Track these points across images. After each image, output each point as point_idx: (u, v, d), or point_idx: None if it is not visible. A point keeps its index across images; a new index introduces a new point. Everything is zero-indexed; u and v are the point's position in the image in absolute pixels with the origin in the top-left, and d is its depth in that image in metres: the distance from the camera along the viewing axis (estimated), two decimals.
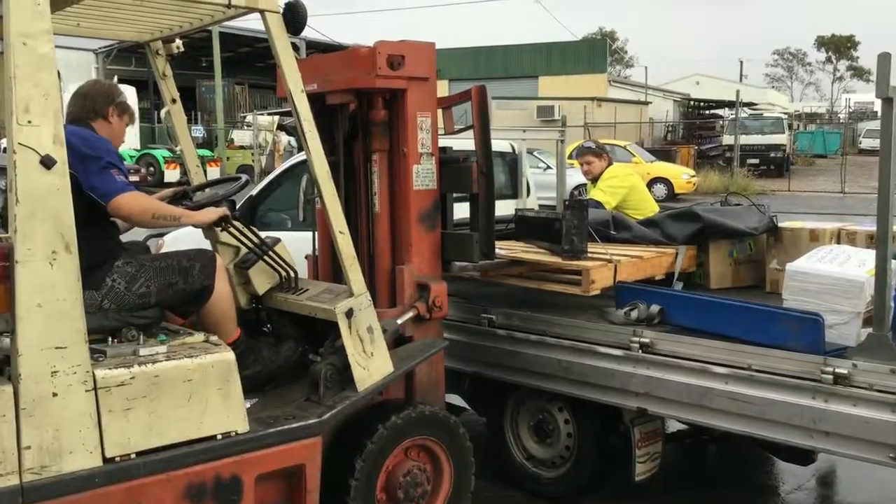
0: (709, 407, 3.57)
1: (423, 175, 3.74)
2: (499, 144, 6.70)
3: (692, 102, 46.45)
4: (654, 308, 3.87)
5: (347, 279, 3.36)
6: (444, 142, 4.03)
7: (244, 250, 3.66)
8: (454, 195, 4.04)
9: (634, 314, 3.90)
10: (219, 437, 2.97)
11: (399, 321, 3.64)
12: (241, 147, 30.68)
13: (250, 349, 3.55)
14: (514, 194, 6.63)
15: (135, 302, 3.15)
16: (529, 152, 8.56)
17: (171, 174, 24.56)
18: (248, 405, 3.31)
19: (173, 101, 3.93)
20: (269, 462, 3.10)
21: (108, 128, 3.35)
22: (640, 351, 3.74)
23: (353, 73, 3.63)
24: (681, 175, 24.14)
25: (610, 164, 5.96)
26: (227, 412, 2.99)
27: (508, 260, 4.37)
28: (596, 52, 40.41)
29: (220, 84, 31.48)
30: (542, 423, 4.43)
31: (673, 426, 4.46)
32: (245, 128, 33.20)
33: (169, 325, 3.35)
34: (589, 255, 4.12)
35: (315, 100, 3.66)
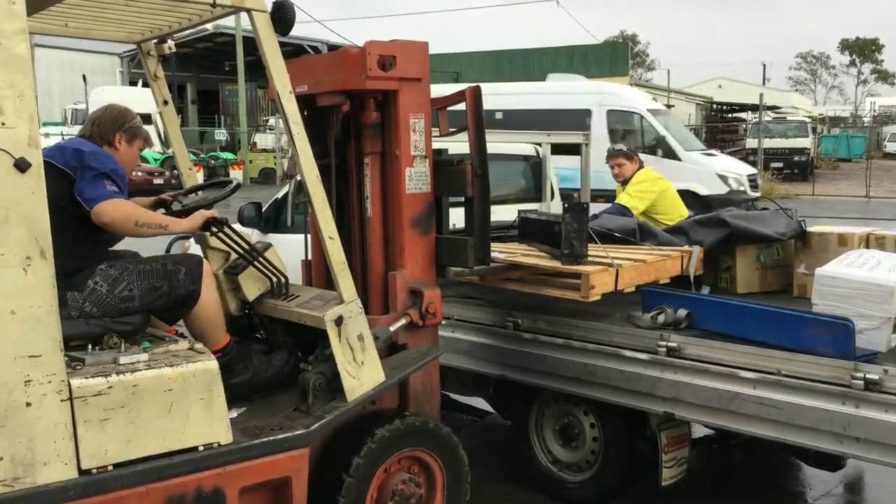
0: (737, 412, 3.55)
1: (417, 178, 3.65)
2: (523, 147, 6.71)
3: (715, 106, 46.13)
4: (682, 312, 3.85)
5: (337, 286, 3.28)
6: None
7: (234, 255, 3.59)
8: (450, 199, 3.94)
9: (661, 318, 3.88)
10: (201, 448, 2.89)
11: (392, 328, 3.55)
12: (264, 150, 30.89)
13: (240, 357, 3.49)
14: (538, 197, 6.62)
15: (117, 305, 3.09)
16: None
17: (196, 177, 24.69)
18: (235, 414, 3.25)
19: (165, 102, 3.86)
20: (254, 474, 3.01)
21: (116, 154, 3.29)
22: (668, 355, 3.72)
23: (343, 75, 3.53)
24: None
25: (641, 167, 5.85)
26: (210, 423, 2.91)
27: (507, 264, 4.28)
28: (618, 56, 40.22)
29: (244, 88, 31.73)
30: (568, 427, 4.42)
31: (699, 431, 4.43)
32: (267, 131, 33.42)
33: (156, 332, 3.28)
34: (589, 258, 4.03)
35: (306, 102, 3.63)
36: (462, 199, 3.78)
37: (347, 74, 3.50)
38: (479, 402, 5.59)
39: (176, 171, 25.05)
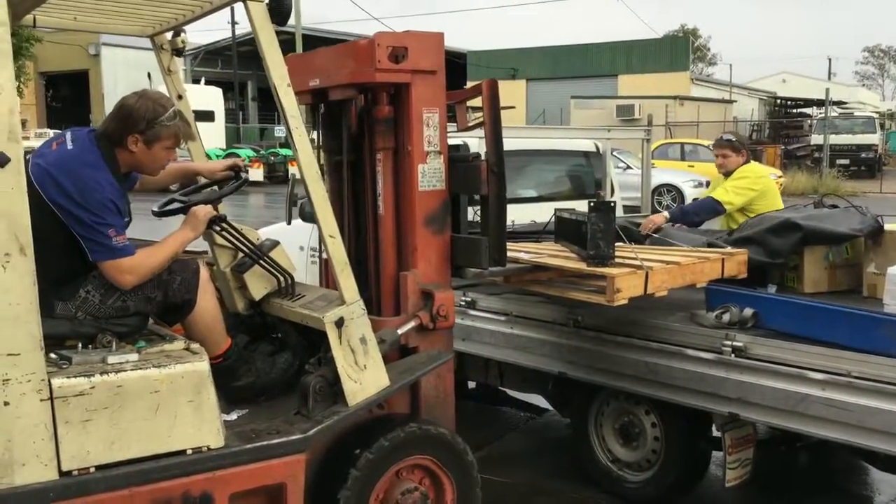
0: (804, 413, 3.47)
1: (430, 175, 3.50)
2: (583, 143, 6.66)
3: (779, 101, 45.21)
4: (748, 311, 3.78)
5: (339, 286, 3.16)
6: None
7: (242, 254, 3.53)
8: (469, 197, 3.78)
9: (727, 317, 3.81)
10: (189, 451, 2.80)
11: (400, 331, 3.42)
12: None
13: (243, 359, 3.42)
14: (598, 194, 6.56)
15: (111, 315, 3.01)
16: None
17: (255, 173, 25.16)
18: (235, 417, 3.20)
19: (179, 97, 3.76)
20: (245, 480, 2.90)
21: (128, 156, 3.08)
22: (733, 355, 3.66)
23: (352, 67, 3.39)
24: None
25: (747, 161, 5.59)
26: (199, 426, 2.80)
27: (531, 265, 4.11)
28: (678, 50, 39.61)
29: None
30: (628, 426, 4.37)
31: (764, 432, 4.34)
32: None
33: (160, 330, 3.21)
34: (618, 260, 3.85)
35: (321, 96, 3.54)
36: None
37: (357, 67, 3.37)
38: (538, 400, 5.60)
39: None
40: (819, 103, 35.28)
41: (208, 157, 4.02)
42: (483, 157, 3.53)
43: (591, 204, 3.85)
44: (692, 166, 22.50)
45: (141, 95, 3.09)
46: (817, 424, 3.45)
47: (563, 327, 4.33)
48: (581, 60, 39.20)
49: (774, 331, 3.71)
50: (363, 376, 3.17)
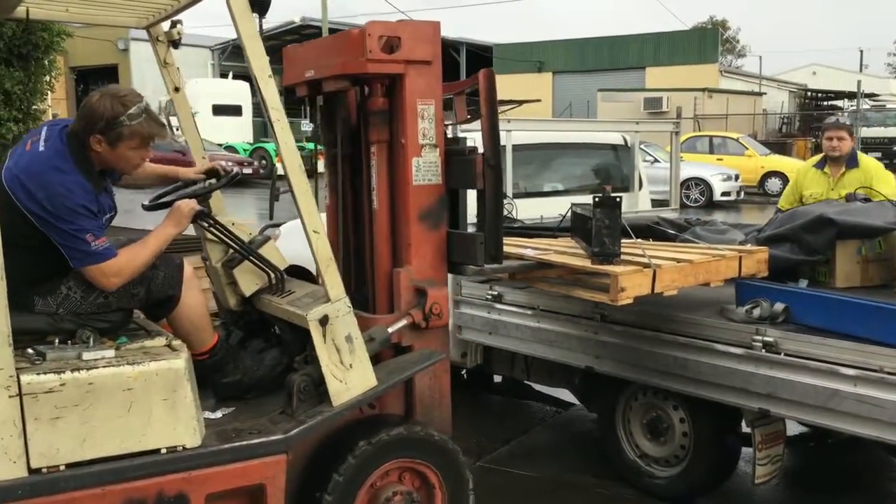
0: (836, 410, 3.43)
1: (425, 169, 3.40)
2: (611, 137, 6.61)
3: (809, 93, 44.60)
4: (779, 306, 3.74)
5: (323, 283, 3.08)
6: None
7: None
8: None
9: (757, 312, 3.77)
10: (163, 450, 2.75)
11: (390, 329, 3.33)
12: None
13: (231, 357, 3.36)
14: (625, 187, 6.52)
15: (93, 311, 2.97)
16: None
17: (281, 167, 25.25)
18: (219, 415, 3.17)
19: (176, 89, 3.72)
20: (222, 480, 2.85)
21: (97, 156, 2.96)
22: (764, 350, 3.62)
23: (344, 58, 3.30)
24: (797, 169, 23.17)
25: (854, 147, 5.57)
26: (174, 425, 2.76)
27: (535, 262, 4.00)
28: (707, 42, 39.17)
29: None
30: (656, 421, 4.35)
31: (794, 428, 4.30)
32: None
33: (149, 325, 3.18)
34: (624, 258, 3.72)
35: (316, 87, 3.47)
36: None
37: (348, 58, 3.27)
38: (564, 394, 5.58)
39: (264, 161, 25.88)
40: (850, 96, 34.81)
41: (214, 151, 3.99)
42: (480, 151, 3.40)
43: (596, 199, 3.72)
44: (721, 159, 22.28)
45: (102, 93, 2.95)
46: (849, 421, 3.42)
47: (590, 321, 4.31)
48: (608, 53, 38.90)
49: (805, 326, 3.68)
50: (349, 376, 3.09)
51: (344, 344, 3.08)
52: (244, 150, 26.94)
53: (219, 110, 30.65)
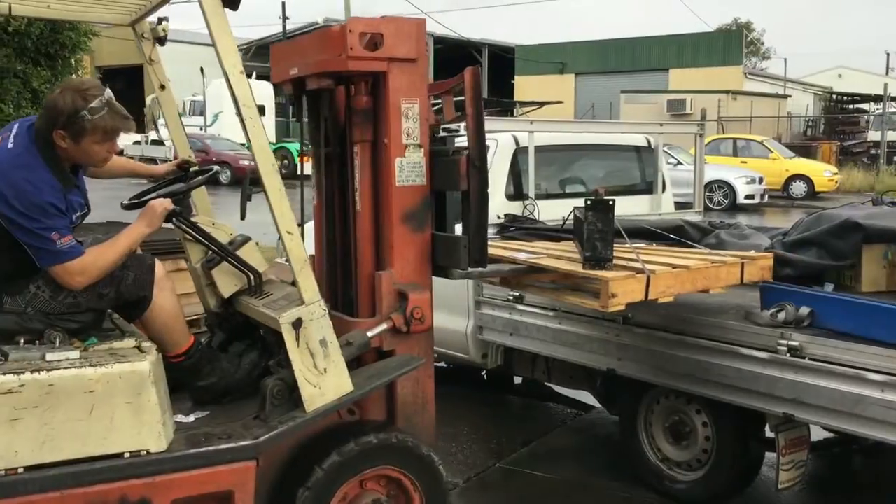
0: (862, 415, 3.38)
1: (409, 169, 3.29)
2: (634, 138, 6.57)
3: (834, 96, 44.22)
4: (804, 310, 3.69)
5: (297, 286, 2.98)
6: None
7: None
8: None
9: (782, 316, 3.73)
10: (127, 455, 2.68)
11: (370, 334, 3.23)
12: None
13: (207, 359, 3.29)
14: (649, 190, 6.48)
15: (62, 311, 2.92)
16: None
17: (305, 167, 25.36)
18: (192, 419, 3.10)
19: (162, 87, 3.64)
20: (188, 486, 2.77)
21: (63, 152, 2.89)
22: (788, 354, 3.58)
23: (326, 55, 3.19)
24: (822, 172, 22.97)
25: None
26: (138, 428, 2.69)
27: (527, 266, 3.85)
28: (731, 44, 38.95)
29: None
30: (678, 425, 4.31)
31: (818, 433, 4.25)
32: None
33: (125, 326, 3.12)
34: (618, 262, 3.60)
35: (301, 85, 3.40)
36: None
37: (329, 55, 3.16)
38: (585, 396, 5.55)
39: (286, 161, 25.98)
40: (876, 98, 34.47)
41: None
42: (464, 152, 3.29)
43: (588, 202, 3.61)
44: (745, 162, 22.13)
45: (63, 88, 2.88)
46: (875, 427, 3.36)
47: (612, 323, 4.28)
48: (631, 54, 38.78)
49: (831, 330, 3.62)
50: (323, 381, 3.00)
51: (318, 348, 2.99)
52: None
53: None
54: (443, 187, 3.42)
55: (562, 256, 3.93)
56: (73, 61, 9.41)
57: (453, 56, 35.60)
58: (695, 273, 3.65)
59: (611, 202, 3.58)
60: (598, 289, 3.48)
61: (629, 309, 3.97)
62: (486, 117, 5.39)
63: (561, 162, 6.24)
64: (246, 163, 23.06)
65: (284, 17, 37.15)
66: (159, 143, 29.16)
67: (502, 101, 30.40)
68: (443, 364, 6.92)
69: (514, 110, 27.79)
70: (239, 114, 2.84)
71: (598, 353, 4.39)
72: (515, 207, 5.50)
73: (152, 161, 3.58)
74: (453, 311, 5.39)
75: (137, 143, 26.38)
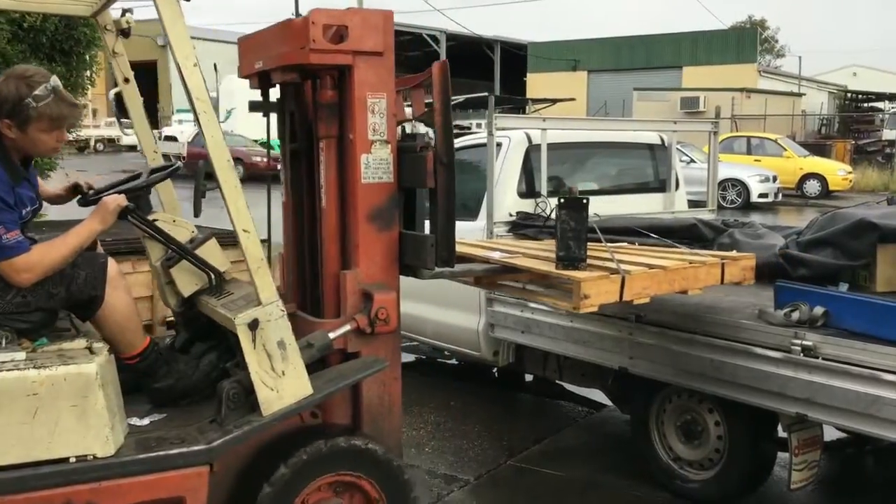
0: (876, 416, 3.36)
1: (375, 166, 3.19)
2: (648, 136, 6.54)
3: (849, 94, 43.93)
4: (818, 310, 3.67)
5: (254, 285, 2.88)
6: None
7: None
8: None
9: (796, 315, 3.71)
10: (72, 459, 2.61)
11: (332, 335, 3.13)
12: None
13: (164, 361, 3.20)
14: (663, 188, 6.45)
15: (11, 311, 2.82)
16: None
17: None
18: (147, 422, 3.02)
19: (126, 80, 3.54)
20: (137, 492, 2.69)
21: (11, 142, 2.82)
22: (802, 354, 3.56)
23: (288, 48, 3.10)
24: (836, 171, 22.81)
25: None
26: (84, 432, 2.61)
27: (501, 266, 3.75)
28: (745, 41, 38.75)
29: None
30: (690, 424, 4.30)
31: (832, 433, 4.23)
32: None
33: (81, 327, 3.04)
34: (592, 263, 3.50)
35: (267, 79, 3.32)
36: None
37: (292, 47, 3.07)
38: (597, 395, 5.54)
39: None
40: (891, 97, 34.27)
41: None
42: (431, 147, 3.19)
43: (561, 201, 3.51)
44: (758, 160, 22.00)
45: (7, 75, 2.81)
46: (890, 427, 3.34)
47: (624, 321, 4.27)
48: (644, 51, 38.63)
49: (845, 330, 3.60)
50: (280, 384, 2.90)
51: (276, 350, 2.89)
52: (279, 146, 27.15)
53: (255, 107, 30.81)
54: (410, 184, 3.32)
55: (539, 256, 3.83)
56: (87, 57, 9.42)
57: (465, 54, 35.62)
58: (672, 273, 3.55)
59: (584, 201, 3.49)
60: (569, 289, 3.40)
61: (640, 308, 3.94)
62: (498, 115, 5.42)
63: (573, 160, 6.21)
64: (258, 159, 23.07)
65: (297, 15, 37.26)
66: (172, 139, 29.31)
67: (514, 99, 30.40)
68: (454, 361, 6.94)
69: (527, 107, 27.80)
70: (192, 106, 2.75)
71: (610, 351, 4.38)
72: (527, 205, 5.49)
73: (165, 157, 3.47)
74: (465, 308, 5.39)
75: None
